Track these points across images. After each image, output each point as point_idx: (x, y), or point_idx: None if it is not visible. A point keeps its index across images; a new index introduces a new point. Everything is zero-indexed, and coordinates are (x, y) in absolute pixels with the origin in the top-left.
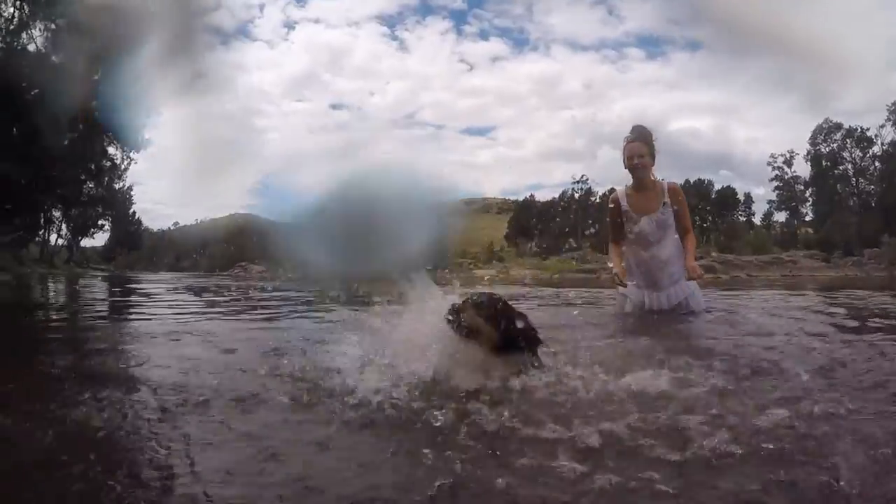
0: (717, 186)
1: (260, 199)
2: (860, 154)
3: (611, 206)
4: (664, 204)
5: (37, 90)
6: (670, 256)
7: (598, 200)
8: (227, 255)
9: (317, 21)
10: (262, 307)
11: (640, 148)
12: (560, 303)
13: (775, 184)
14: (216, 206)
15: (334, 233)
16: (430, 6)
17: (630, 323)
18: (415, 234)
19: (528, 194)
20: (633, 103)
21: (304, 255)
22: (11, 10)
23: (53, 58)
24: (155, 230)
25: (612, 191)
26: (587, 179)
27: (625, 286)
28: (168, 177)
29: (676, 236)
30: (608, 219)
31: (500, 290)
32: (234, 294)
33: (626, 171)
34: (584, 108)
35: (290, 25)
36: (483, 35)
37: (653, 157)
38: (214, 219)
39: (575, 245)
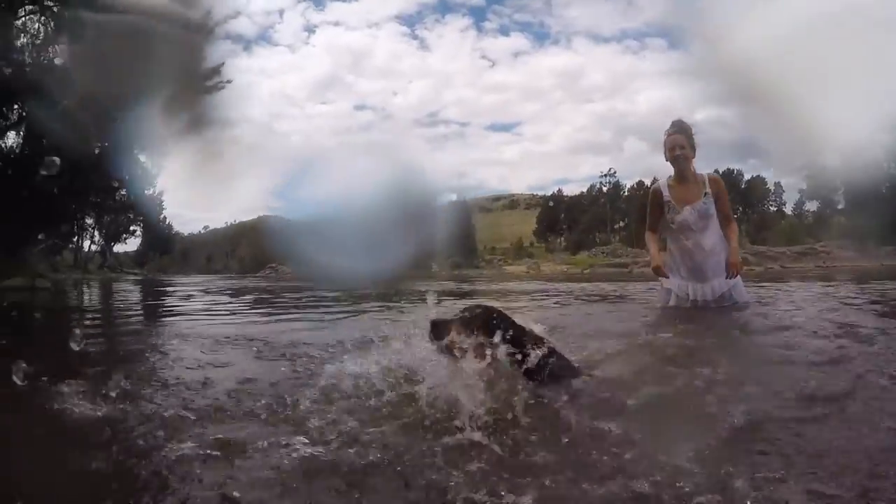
0: (747, 176)
1: (284, 202)
2: (892, 139)
3: (652, 196)
4: (706, 194)
5: (66, 102)
6: (713, 246)
7: (626, 193)
8: (257, 257)
9: (336, 24)
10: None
11: (681, 140)
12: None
13: (805, 172)
14: (244, 210)
15: (339, 233)
16: (449, 4)
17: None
18: (407, 234)
19: (555, 189)
20: (657, 94)
21: (315, 255)
22: (37, 25)
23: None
24: (186, 234)
25: (640, 184)
26: (615, 172)
27: (666, 276)
28: (196, 182)
29: (718, 227)
30: (648, 208)
31: (532, 286)
32: (288, 297)
33: (668, 162)
34: (608, 101)
35: (310, 29)
36: (503, 31)
37: (693, 149)
38: (243, 222)
39: (605, 239)
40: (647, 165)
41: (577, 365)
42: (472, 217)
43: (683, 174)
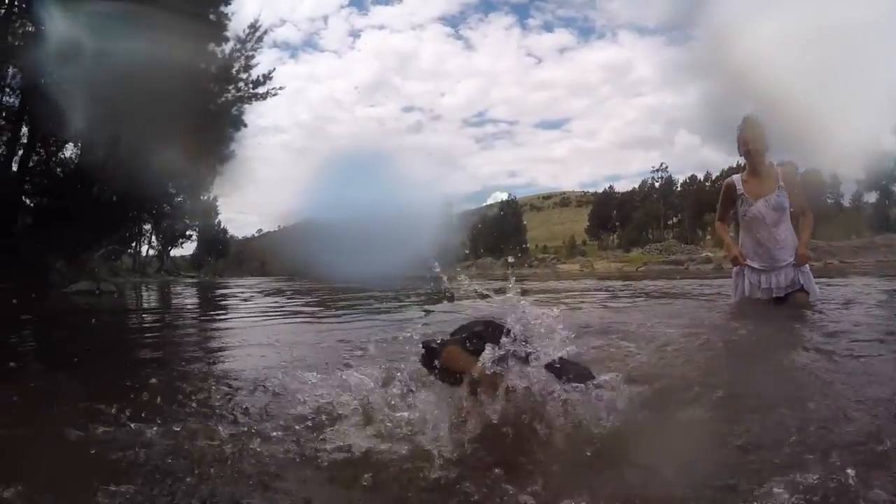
0: (801, 169)
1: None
2: None
3: (725, 189)
4: (779, 187)
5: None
6: (786, 238)
7: (678, 189)
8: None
9: (381, 27)
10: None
11: (755, 134)
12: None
13: (863, 161)
14: (297, 213)
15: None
16: (491, 2)
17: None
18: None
19: (606, 186)
20: (706, 84)
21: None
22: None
23: (138, 82)
24: (240, 237)
25: (693, 178)
26: (666, 167)
27: (744, 263)
28: (250, 186)
29: (789, 220)
30: (720, 200)
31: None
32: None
33: (741, 157)
34: (657, 94)
35: (355, 34)
36: (547, 27)
37: (766, 142)
38: (296, 224)
39: (658, 236)
40: (699, 159)
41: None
42: (522, 216)
43: (757, 168)
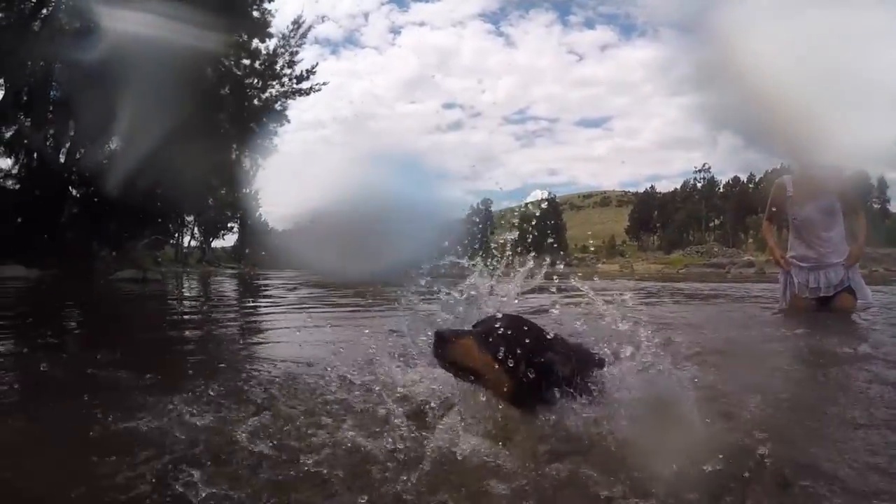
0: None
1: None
2: None
3: (776, 190)
4: (830, 191)
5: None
6: (836, 241)
7: (721, 190)
8: None
9: (421, 24)
10: None
11: None
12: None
13: None
14: (313, 208)
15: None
16: None
17: None
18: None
19: (647, 186)
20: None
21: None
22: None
23: (182, 77)
24: (280, 230)
25: (736, 179)
26: (709, 168)
27: (787, 268)
28: (291, 180)
29: (842, 223)
30: (769, 201)
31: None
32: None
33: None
34: (700, 93)
35: (395, 31)
36: (589, 24)
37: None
38: (312, 219)
39: (700, 238)
40: (742, 161)
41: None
42: (562, 214)
43: (808, 171)
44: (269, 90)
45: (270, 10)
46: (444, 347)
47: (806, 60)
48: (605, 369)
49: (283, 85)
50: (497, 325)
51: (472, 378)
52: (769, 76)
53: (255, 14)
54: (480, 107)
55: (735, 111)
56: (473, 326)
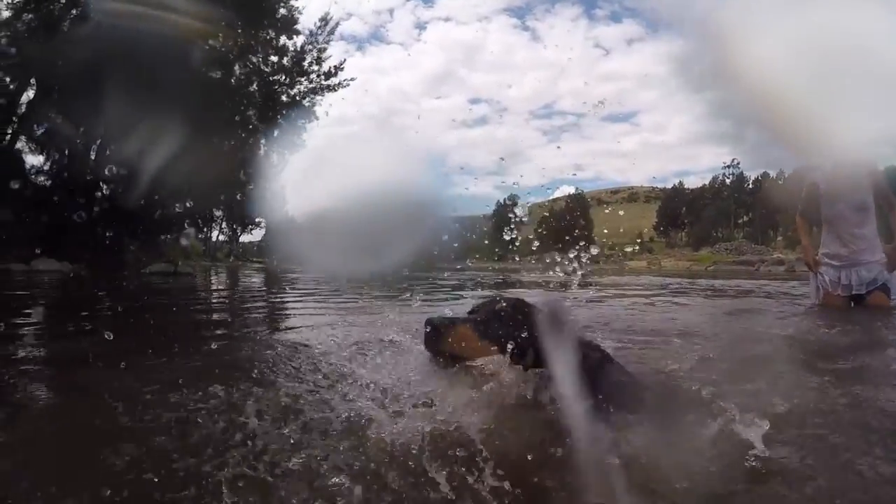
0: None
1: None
2: None
3: (809, 186)
4: (863, 186)
5: (199, 104)
6: (871, 237)
7: (750, 186)
8: None
9: (447, 19)
10: None
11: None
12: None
13: None
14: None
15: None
16: None
17: None
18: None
19: (675, 181)
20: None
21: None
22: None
23: (211, 74)
24: (301, 225)
25: (766, 175)
26: (738, 164)
27: (816, 270)
28: (319, 176)
29: (874, 219)
30: (803, 196)
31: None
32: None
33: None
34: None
35: (421, 26)
36: (615, 17)
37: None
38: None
39: (728, 235)
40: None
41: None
42: (589, 210)
43: (841, 166)
44: (298, 86)
45: (297, 8)
46: (438, 337)
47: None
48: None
49: (311, 81)
50: (499, 310)
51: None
52: (768, 75)
53: (282, 11)
54: (507, 102)
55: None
56: (469, 313)
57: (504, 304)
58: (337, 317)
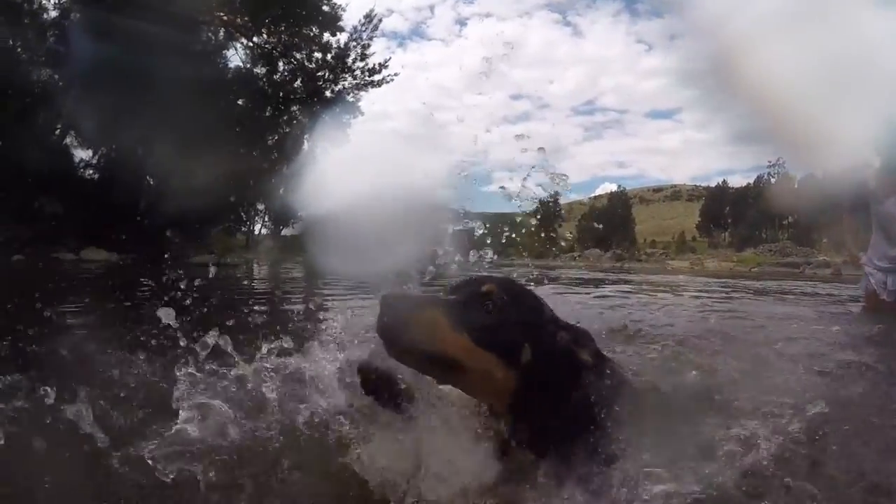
0: None
1: (448, 191)
2: None
3: (858, 184)
4: None
5: (243, 99)
6: None
7: (796, 186)
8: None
9: (487, 15)
10: None
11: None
12: None
13: None
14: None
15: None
16: None
17: None
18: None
19: (719, 180)
20: None
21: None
22: (209, 34)
23: (256, 70)
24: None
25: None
26: (784, 162)
27: (858, 264)
28: (362, 170)
29: None
30: (851, 193)
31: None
32: None
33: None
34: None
35: (461, 22)
36: (657, 12)
37: None
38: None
39: (773, 236)
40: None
41: None
42: (631, 208)
43: (890, 164)
44: (342, 82)
45: (340, 5)
46: (395, 324)
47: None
48: None
49: (355, 77)
50: (484, 291)
51: (444, 374)
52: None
53: (325, 9)
54: (548, 98)
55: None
56: (450, 294)
57: (491, 284)
58: None
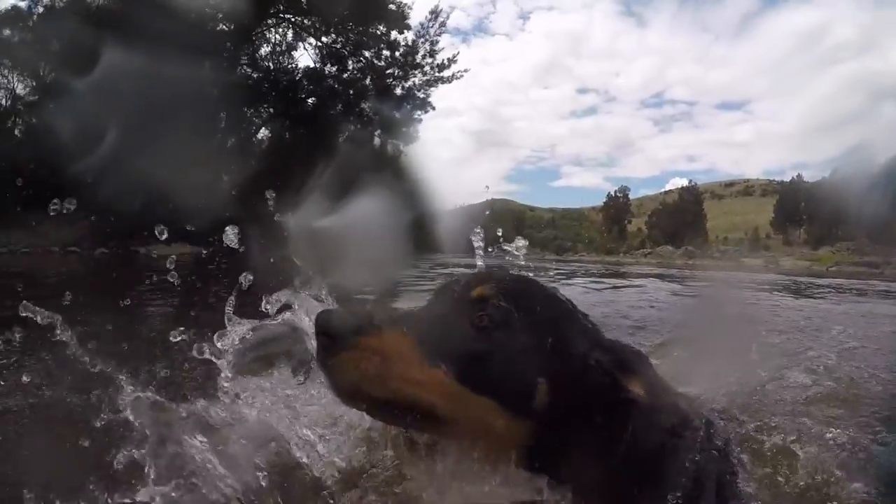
0: None
1: (514, 185)
2: None
3: None
4: None
5: (314, 99)
6: None
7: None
8: (489, 238)
9: (550, 8)
10: None
11: None
12: None
13: None
14: (474, 193)
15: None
16: None
17: None
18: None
19: (794, 174)
20: None
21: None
22: (277, 36)
23: (325, 70)
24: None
25: None
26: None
27: None
28: (430, 166)
29: None
30: None
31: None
32: None
33: None
34: (857, 60)
35: (524, 16)
36: None
37: None
38: (472, 204)
39: (849, 233)
40: None
41: None
42: (702, 204)
43: None
44: (412, 79)
45: (407, 4)
46: (335, 355)
47: None
48: None
49: (424, 74)
50: (474, 296)
51: (418, 424)
52: None
53: (392, 7)
54: (615, 91)
55: None
56: (429, 302)
57: (491, 280)
58: None
